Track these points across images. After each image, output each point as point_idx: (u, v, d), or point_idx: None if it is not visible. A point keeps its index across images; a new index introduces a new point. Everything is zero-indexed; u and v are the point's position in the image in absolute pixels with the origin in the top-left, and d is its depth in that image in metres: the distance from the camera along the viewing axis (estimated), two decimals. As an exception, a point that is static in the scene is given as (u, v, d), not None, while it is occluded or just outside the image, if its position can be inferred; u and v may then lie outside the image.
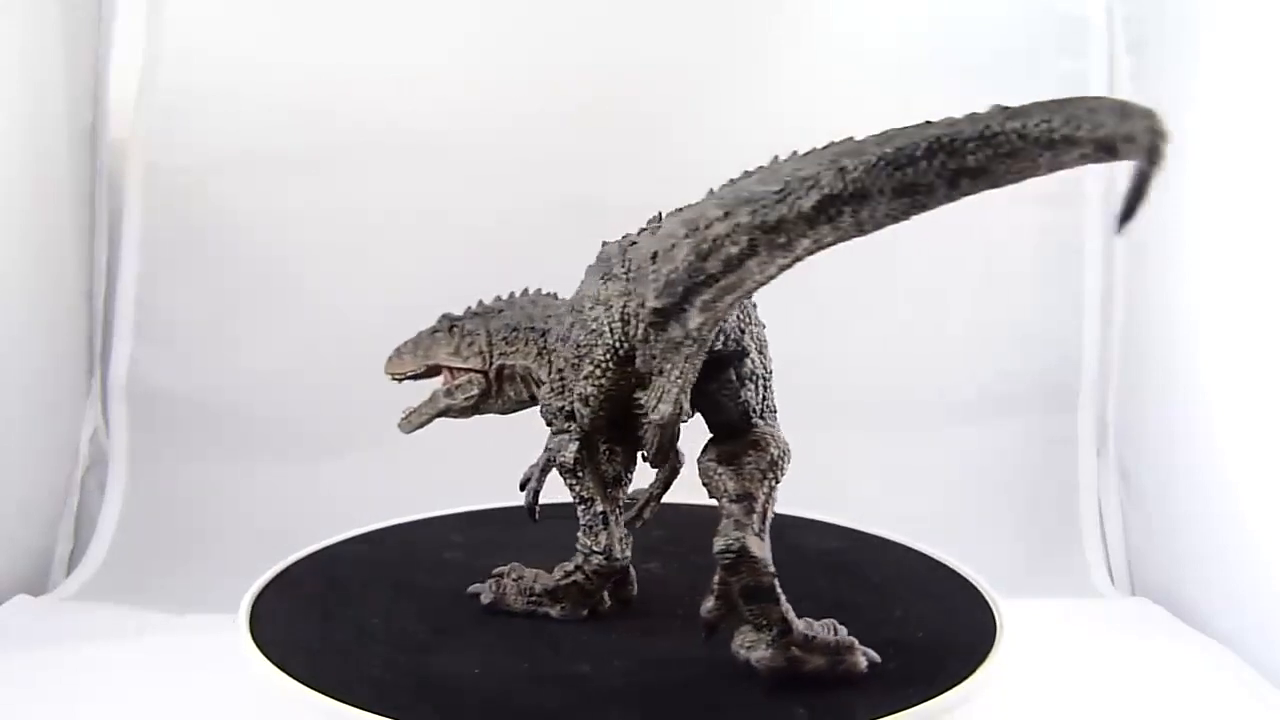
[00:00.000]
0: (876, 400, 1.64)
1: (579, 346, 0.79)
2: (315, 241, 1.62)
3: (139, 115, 1.60)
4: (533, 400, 0.93)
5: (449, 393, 0.95)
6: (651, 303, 0.73)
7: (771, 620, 0.74)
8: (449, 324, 0.96)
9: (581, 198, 1.54)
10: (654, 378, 0.74)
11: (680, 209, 0.75)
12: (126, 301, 1.62)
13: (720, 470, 0.77)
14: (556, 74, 1.60)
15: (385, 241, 1.61)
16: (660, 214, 0.78)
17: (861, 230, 0.65)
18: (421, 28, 1.61)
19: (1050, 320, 1.66)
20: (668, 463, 0.88)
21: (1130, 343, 1.63)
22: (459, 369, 0.95)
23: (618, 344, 0.76)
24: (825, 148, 0.66)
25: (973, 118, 0.61)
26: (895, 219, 0.65)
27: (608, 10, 1.62)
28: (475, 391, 0.94)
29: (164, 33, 1.59)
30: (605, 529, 0.83)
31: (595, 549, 0.83)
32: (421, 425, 0.96)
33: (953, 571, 0.97)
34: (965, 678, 0.74)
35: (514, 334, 0.93)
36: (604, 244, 0.82)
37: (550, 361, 0.88)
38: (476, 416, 0.96)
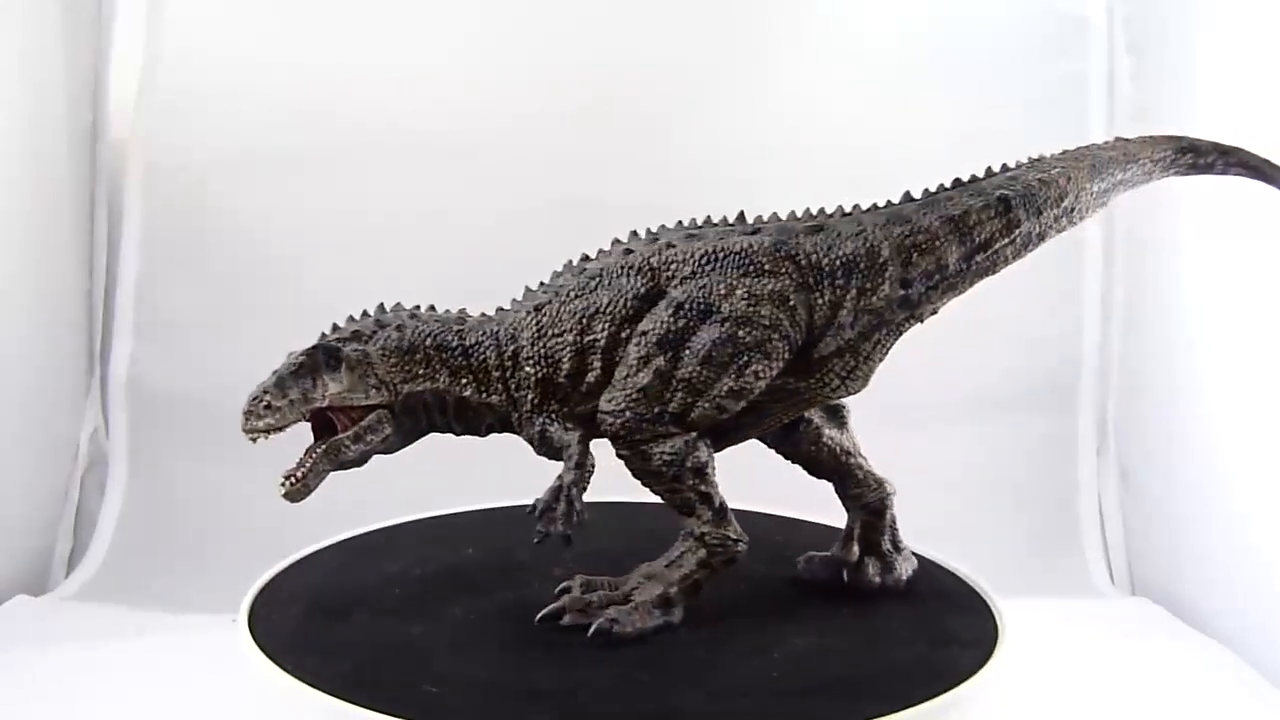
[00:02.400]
0: (875, 400, 1.63)
1: (730, 342, 0.79)
2: (315, 241, 1.62)
3: (139, 115, 1.60)
4: (431, 428, 0.85)
5: (357, 437, 0.81)
6: (897, 293, 0.82)
7: (897, 542, 0.92)
8: (327, 356, 0.81)
9: (581, 198, 1.54)
10: (835, 361, 0.83)
11: (850, 210, 0.85)
12: (126, 301, 1.62)
13: (829, 432, 0.92)
14: (556, 74, 1.60)
15: (385, 241, 1.61)
16: (760, 216, 0.86)
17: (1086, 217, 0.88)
18: (421, 28, 1.61)
19: (1050, 320, 1.66)
20: None
21: (1130, 343, 1.63)
22: (359, 407, 0.82)
23: (798, 336, 0.81)
24: (1040, 161, 0.87)
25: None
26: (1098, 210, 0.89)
27: (608, 10, 1.62)
28: (388, 430, 0.82)
29: (164, 33, 1.59)
30: (731, 517, 0.82)
31: (733, 536, 0.81)
32: (317, 487, 0.82)
33: (953, 572, 0.97)
34: (965, 678, 0.74)
35: (411, 355, 0.83)
36: (629, 250, 0.84)
37: (504, 376, 0.83)
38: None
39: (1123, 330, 1.64)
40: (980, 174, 0.88)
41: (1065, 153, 0.88)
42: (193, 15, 1.60)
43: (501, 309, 0.88)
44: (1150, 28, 1.59)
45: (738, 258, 0.81)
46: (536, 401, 0.83)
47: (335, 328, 0.86)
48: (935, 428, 1.64)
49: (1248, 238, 1.34)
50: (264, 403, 0.80)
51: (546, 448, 0.84)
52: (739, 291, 0.80)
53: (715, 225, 0.86)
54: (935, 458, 1.64)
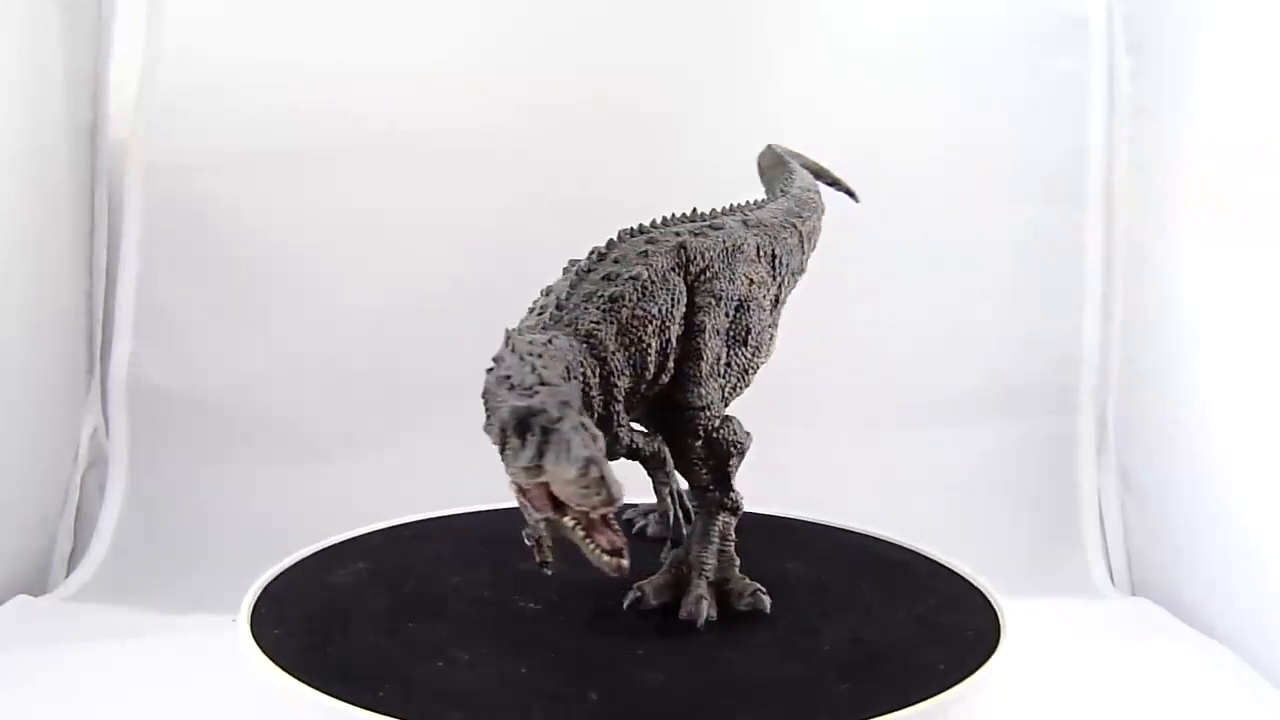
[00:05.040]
0: (875, 400, 1.64)
1: (758, 327, 0.90)
2: (315, 241, 1.62)
3: (139, 115, 1.60)
4: None
5: None
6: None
7: None
8: (567, 405, 0.67)
9: (581, 197, 1.54)
10: (764, 334, 0.92)
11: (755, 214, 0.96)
12: (126, 301, 1.61)
13: None
14: (556, 74, 1.60)
15: (386, 241, 1.61)
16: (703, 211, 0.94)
17: None
18: (421, 28, 1.61)
19: (1050, 320, 1.66)
20: None
21: (1130, 343, 1.63)
22: None
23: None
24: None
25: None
26: None
27: (608, 10, 1.62)
28: None
29: (164, 33, 1.59)
30: None
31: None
32: None
33: (953, 571, 0.98)
34: (965, 678, 0.74)
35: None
36: (644, 252, 0.85)
37: (596, 394, 0.78)
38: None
39: (1123, 330, 1.64)
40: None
41: (785, 164, 1.09)
42: (193, 15, 1.59)
43: (546, 328, 0.79)
44: (1150, 28, 1.59)
45: (742, 254, 0.89)
46: (621, 413, 0.82)
47: (535, 389, 0.69)
48: (935, 428, 1.65)
49: (1248, 238, 1.34)
50: (602, 472, 0.64)
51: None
52: (753, 282, 0.90)
53: (677, 222, 0.91)
54: (935, 458, 1.64)
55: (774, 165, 1.13)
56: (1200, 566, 1.43)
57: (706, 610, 0.82)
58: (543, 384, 0.70)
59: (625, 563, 0.68)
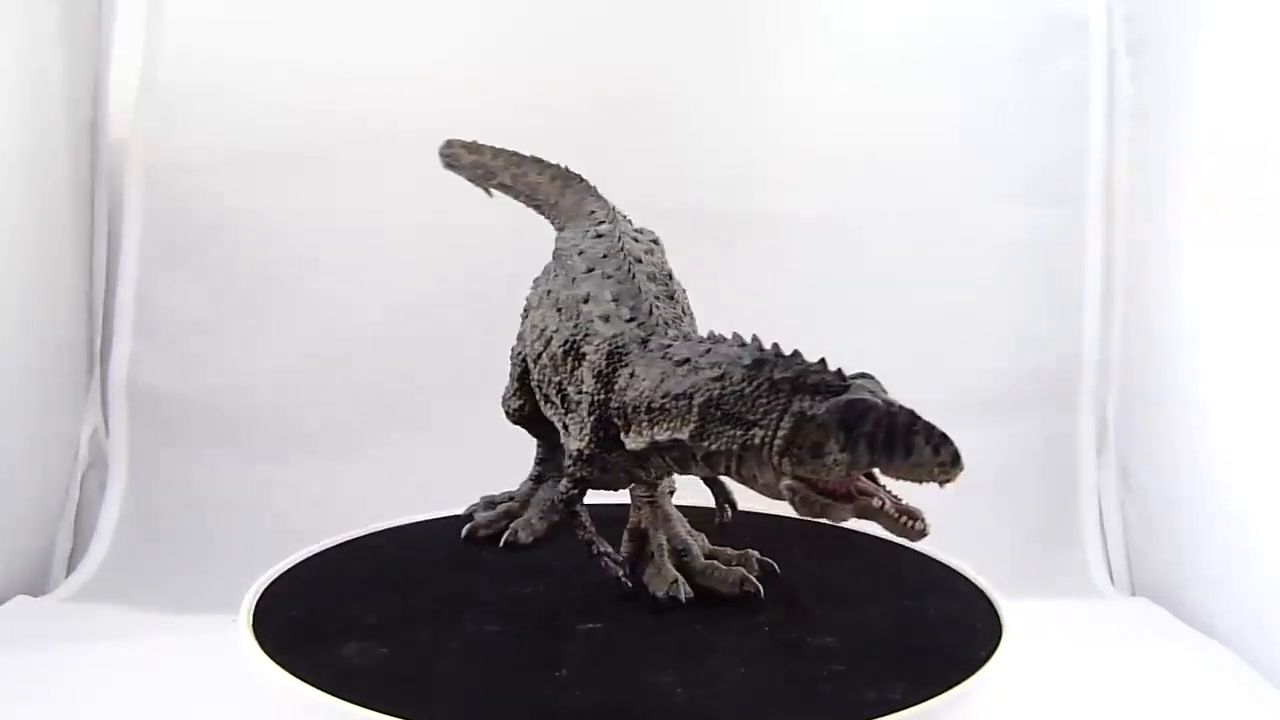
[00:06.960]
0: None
1: None
2: (315, 241, 1.62)
3: (139, 115, 1.60)
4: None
5: None
6: None
7: None
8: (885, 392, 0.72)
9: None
10: None
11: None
12: (126, 301, 1.62)
13: None
14: (557, 73, 1.60)
15: (385, 241, 1.61)
16: None
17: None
18: (421, 28, 1.61)
19: (1050, 320, 1.66)
20: None
21: (1130, 343, 1.63)
22: None
23: None
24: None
25: None
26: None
27: (608, 9, 1.62)
28: None
29: (164, 32, 1.59)
30: None
31: None
32: None
33: (953, 571, 0.97)
34: (965, 678, 0.74)
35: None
36: (652, 248, 0.93)
37: None
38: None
39: (1123, 330, 1.64)
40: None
41: (552, 176, 1.15)
42: (193, 15, 1.60)
43: (655, 332, 0.79)
44: (1150, 28, 1.60)
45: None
46: None
47: (843, 384, 0.72)
48: (935, 427, 1.64)
49: (1248, 238, 1.34)
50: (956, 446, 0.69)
51: None
52: None
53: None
54: (935, 458, 1.63)
55: (519, 163, 1.15)
56: (1200, 566, 1.43)
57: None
58: (845, 379, 0.71)
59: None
